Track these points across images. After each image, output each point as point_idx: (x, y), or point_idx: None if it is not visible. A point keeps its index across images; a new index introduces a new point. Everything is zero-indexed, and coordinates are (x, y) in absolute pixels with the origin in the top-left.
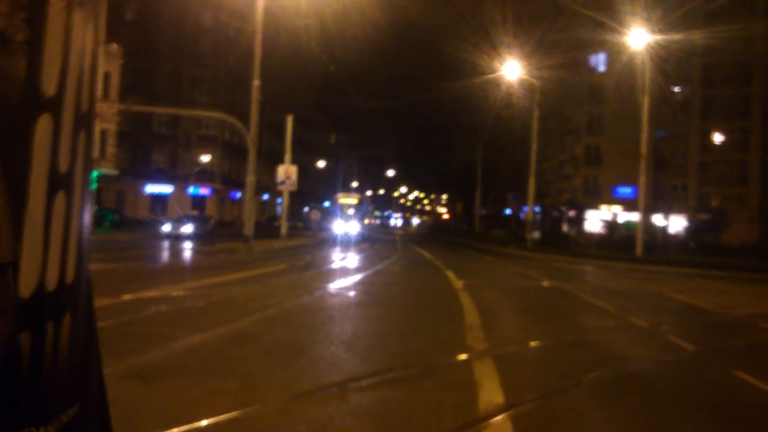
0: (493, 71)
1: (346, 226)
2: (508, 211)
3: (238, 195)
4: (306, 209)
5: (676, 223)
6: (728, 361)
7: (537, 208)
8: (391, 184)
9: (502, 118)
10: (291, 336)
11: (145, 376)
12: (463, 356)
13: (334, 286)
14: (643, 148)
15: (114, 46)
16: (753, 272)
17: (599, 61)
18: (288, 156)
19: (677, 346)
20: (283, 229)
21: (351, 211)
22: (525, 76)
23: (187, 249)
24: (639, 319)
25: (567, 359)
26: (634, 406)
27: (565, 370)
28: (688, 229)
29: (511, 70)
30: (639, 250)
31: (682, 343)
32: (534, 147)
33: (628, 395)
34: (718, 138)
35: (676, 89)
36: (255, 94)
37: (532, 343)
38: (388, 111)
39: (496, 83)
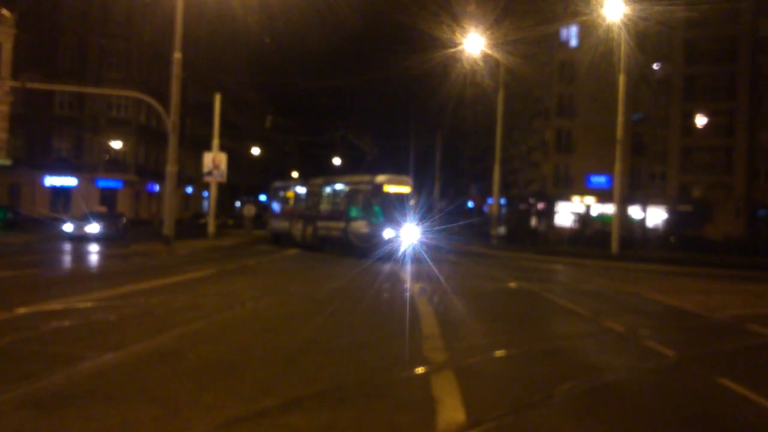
0: (454, 45)
1: (399, 231)
2: (470, 204)
3: (157, 188)
4: (238, 204)
5: (654, 216)
6: (712, 368)
7: (503, 200)
8: (337, 173)
9: (465, 99)
10: (220, 353)
11: (46, 405)
12: (420, 370)
13: (271, 294)
14: (619, 132)
15: (4, 12)
16: (739, 270)
17: (571, 34)
18: (216, 142)
19: (657, 352)
20: (211, 228)
21: (402, 207)
22: (489, 51)
23: (96, 252)
24: (615, 323)
25: (536, 370)
26: (609, 422)
27: (533, 382)
28: (667, 222)
29: (474, 44)
30: (614, 246)
31: (662, 350)
32: (499, 131)
33: (603, 410)
34: (701, 121)
35: (656, 67)
36: (176, 70)
37: (498, 353)
38: (335, 92)
39: (458, 60)
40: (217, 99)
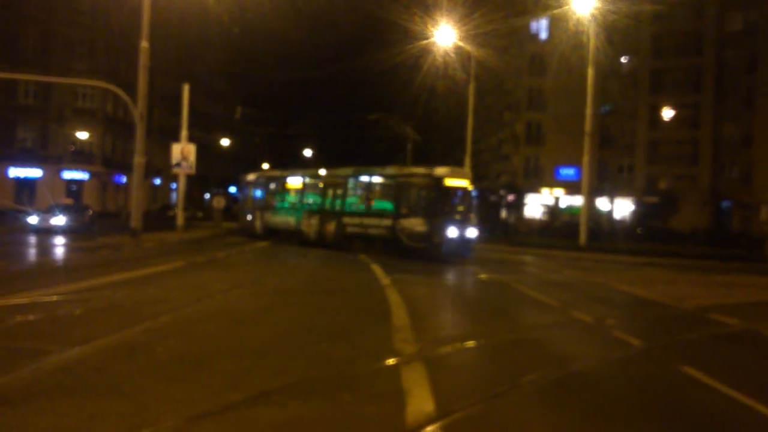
0: (426, 38)
1: (461, 229)
2: None
3: (124, 180)
4: (208, 195)
5: (622, 207)
6: (677, 357)
7: (474, 193)
8: (309, 166)
9: (437, 92)
10: (189, 347)
11: (11, 400)
12: (390, 362)
13: (241, 286)
14: (588, 124)
15: None
16: (703, 260)
17: (541, 27)
18: (184, 133)
19: (624, 342)
20: (180, 220)
21: (463, 203)
22: (461, 43)
23: (61, 245)
24: (583, 313)
25: (505, 360)
26: (576, 411)
27: (502, 372)
28: (635, 214)
29: (445, 36)
30: (583, 237)
31: (629, 339)
32: (470, 123)
33: (571, 399)
34: (667, 114)
35: (624, 60)
36: (143, 59)
37: (468, 344)
38: (307, 82)
39: (429, 52)
40: (186, 89)
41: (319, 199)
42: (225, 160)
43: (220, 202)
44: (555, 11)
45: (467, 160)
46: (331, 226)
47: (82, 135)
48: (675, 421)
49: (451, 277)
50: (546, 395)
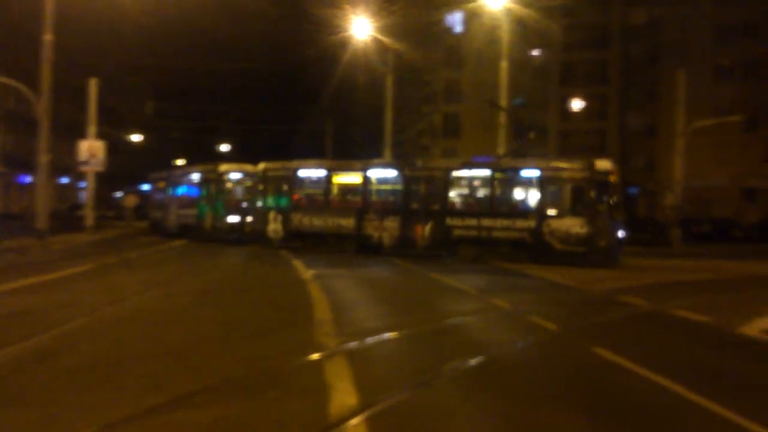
0: (343, 30)
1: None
2: None
3: (29, 179)
4: (119, 194)
5: None
6: (589, 339)
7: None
8: (226, 162)
9: (357, 84)
10: (104, 351)
11: None
12: (313, 357)
13: (157, 286)
14: (502, 116)
15: None
16: None
17: (457, 20)
18: (92, 129)
19: (540, 326)
20: (90, 220)
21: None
22: (378, 36)
23: None
24: (501, 300)
25: (427, 349)
26: (496, 394)
27: (425, 361)
28: None
29: (362, 28)
30: None
31: (545, 324)
32: (389, 115)
33: (491, 383)
34: (576, 105)
35: (536, 53)
36: (47, 53)
37: (390, 335)
38: (223, 76)
39: (347, 45)
40: (93, 85)
41: (400, 197)
42: (137, 156)
43: (131, 201)
44: (469, 5)
45: (387, 152)
46: (425, 228)
47: None
48: (589, 400)
49: (374, 268)
50: (467, 381)
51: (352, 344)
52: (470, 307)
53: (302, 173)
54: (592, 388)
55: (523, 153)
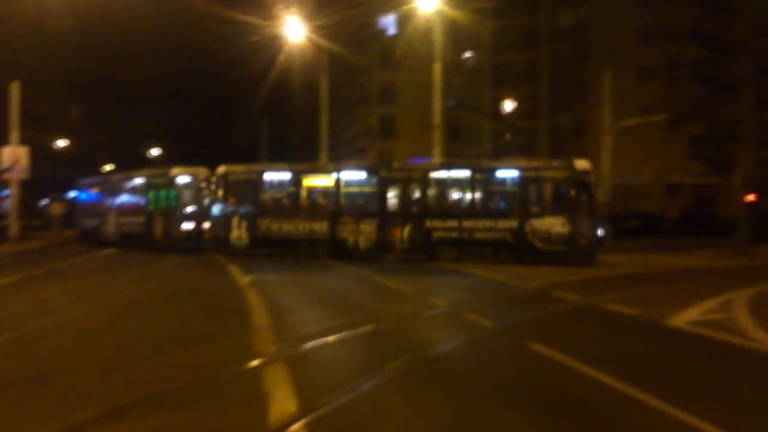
0: (276, 32)
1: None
2: None
3: None
4: (45, 202)
5: None
6: (525, 334)
7: None
8: (156, 166)
9: (292, 86)
10: (30, 366)
11: None
12: (251, 364)
13: (86, 297)
14: (436, 118)
15: None
16: None
17: (390, 23)
18: (15, 134)
19: (477, 324)
20: (14, 230)
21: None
22: (311, 38)
23: None
24: (439, 299)
25: (367, 351)
26: (435, 394)
27: (365, 363)
28: None
29: (295, 30)
30: None
31: (482, 321)
32: (324, 118)
33: (431, 382)
34: (507, 106)
35: (468, 55)
36: None
37: (330, 338)
38: (154, 78)
39: (281, 47)
40: (15, 89)
41: (377, 199)
42: (63, 162)
43: (57, 209)
44: (402, 8)
45: (323, 155)
46: (403, 231)
47: None
48: (526, 393)
49: (311, 272)
50: (407, 381)
51: (291, 350)
52: (409, 307)
53: (268, 176)
54: (529, 383)
55: (457, 155)
